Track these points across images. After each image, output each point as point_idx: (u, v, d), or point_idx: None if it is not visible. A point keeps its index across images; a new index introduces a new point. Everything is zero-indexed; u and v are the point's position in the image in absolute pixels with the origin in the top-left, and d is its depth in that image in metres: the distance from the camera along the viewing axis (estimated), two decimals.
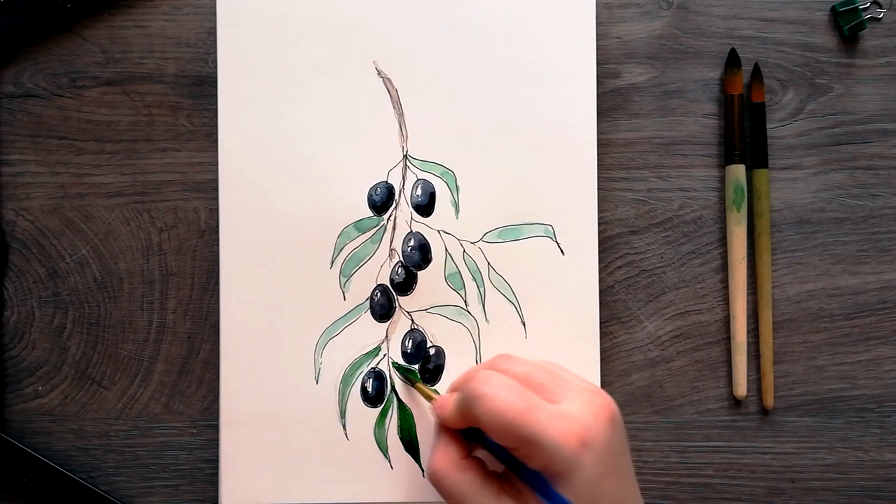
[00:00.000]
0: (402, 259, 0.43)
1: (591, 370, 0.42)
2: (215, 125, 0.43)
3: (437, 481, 0.36)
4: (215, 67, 0.43)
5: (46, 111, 0.44)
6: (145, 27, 0.44)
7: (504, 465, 0.36)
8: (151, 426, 0.44)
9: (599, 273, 0.43)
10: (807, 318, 0.44)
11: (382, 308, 0.43)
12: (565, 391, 0.35)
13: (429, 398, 0.41)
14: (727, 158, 0.44)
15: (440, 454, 0.37)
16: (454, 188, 0.43)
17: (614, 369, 0.44)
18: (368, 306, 0.43)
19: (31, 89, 0.44)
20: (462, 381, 0.39)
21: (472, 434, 0.37)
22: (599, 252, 0.43)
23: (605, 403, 0.35)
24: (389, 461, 0.42)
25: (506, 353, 0.40)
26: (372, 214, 0.43)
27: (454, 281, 0.43)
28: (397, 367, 0.43)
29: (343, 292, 0.43)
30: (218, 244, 0.43)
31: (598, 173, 0.43)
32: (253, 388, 0.42)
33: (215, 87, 0.43)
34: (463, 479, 0.35)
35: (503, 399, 0.34)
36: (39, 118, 0.44)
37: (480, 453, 0.37)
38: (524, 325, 0.43)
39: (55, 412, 0.44)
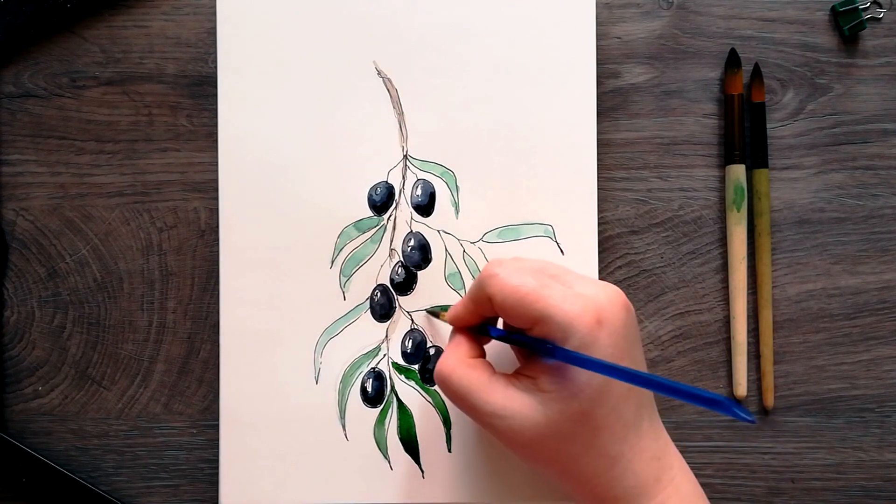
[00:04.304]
0: (402, 259, 0.43)
1: None
2: (215, 125, 0.43)
3: (443, 380, 0.36)
4: (215, 67, 0.43)
5: (46, 111, 0.44)
6: (145, 27, 0.44)
7: (517, 345, 0.36)
8: (151, 426, 0.44)
9: (599, 273, 0.43)
10: (807, 318, 0.44)
11: (382, 308, 0.43)
12: (577, 279, 0.35)
13: (442, 315, 0.41)
14: (727, 158, 0.44)
15: (446, 355, 0.37)
16: (454, 188, 0.43)
17: None
18: (368, 306, 0.43)
19: (31, 89, 0.44)
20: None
21: (481, 331, 0.37)
22: (599, 252, 0.43)
23: (618, 292, 0.34)
24: (389, 462, 0.42)
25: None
26: (372, 214, 0.43)
27: (454, 281, 0.43)
28: (428, 310, 0.43)
29: (343, 292, 0.43)
30: (218, 244, 0.43)
31: (598, 173, 0.43)
32: (253, 388, 0.42)
33: (215, 87, 0.43)
34: (470, 374, 0.35)
35: (516, 277, 0.34)
36: (39, 118, 0.44)
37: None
38: None
39: (55, 412, 0.44)
